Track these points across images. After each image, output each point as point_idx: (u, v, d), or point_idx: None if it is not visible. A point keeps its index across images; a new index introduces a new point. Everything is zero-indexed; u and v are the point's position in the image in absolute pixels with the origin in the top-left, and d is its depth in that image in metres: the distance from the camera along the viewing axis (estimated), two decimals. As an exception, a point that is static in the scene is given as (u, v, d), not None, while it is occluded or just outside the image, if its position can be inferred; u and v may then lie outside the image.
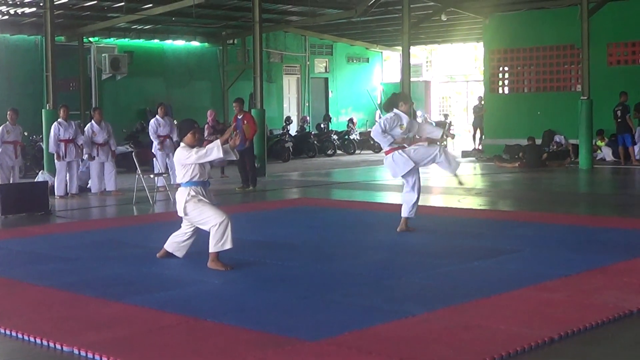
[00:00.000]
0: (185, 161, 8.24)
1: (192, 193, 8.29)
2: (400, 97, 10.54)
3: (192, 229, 8.57)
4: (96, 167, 16.39)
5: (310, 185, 18.17)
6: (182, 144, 8.44)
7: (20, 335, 5.96)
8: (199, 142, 8.40)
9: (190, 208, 8.27)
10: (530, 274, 7.79)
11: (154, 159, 16.87)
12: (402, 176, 10.42)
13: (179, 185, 8.51)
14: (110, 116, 21.13)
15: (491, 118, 25.92)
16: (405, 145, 10.36)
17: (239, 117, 16.59)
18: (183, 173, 8.30)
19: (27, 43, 24.28)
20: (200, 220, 8.29)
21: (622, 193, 16.31)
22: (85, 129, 16.65)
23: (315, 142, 28.11)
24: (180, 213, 8.37)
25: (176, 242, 8.71)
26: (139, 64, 26.45)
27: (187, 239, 8.67)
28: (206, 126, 19.53)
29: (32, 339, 5.87)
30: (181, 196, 8.33)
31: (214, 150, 8.13)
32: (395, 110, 10.32)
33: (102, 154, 16.35)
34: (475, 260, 8.67)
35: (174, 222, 9.01)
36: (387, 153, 10.38)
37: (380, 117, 10.39)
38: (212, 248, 8.20)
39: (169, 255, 8.76)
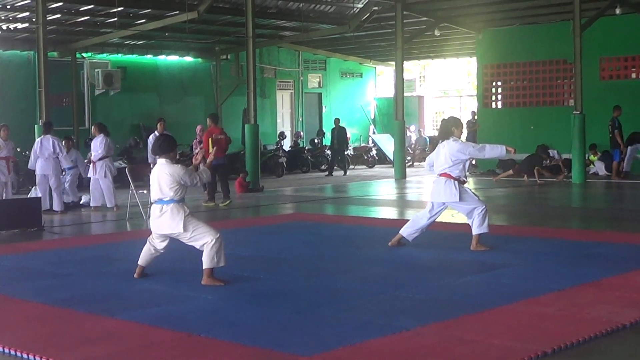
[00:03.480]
0: (181, 180, 8.22)
1: (187, 210, 8.27)
2: (452, 123, 10.29)
3: (164, 246, 8.55)
4: (94, 182, 16.33)
5: (304, 201, 18.17)
6: (166, 160, 8.37)
7: (12, 352, 5.94)
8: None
9: (186, 224, 8.23)
10: (523, 288, 7.80)
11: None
12: (433, 202, 10.23)
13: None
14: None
15: (484, 133, 25.97)
16: (466, 180, 10.30)
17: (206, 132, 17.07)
18: (176, 189, 8.24)
19: (20, 58, 24.29)
20: (194, 236, 8.23)
21: (615, 207, 16.33)
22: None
23: (309, 157, 28.11)
24: (179, 229, 8.22)
25: (150, 255, 8.66)
26: (132, 79, 26.48)
27: (157, 255, 8.65)
28: (195, 142, 19.57)
29: (24, 355, 5.84)
30: (178, 213, 8.24)
31: (204, 176, 8.42)
32: (452, 138, 10.08)
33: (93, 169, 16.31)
34: (468, 274, 8.68)
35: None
36: (448, 176, 10.03)
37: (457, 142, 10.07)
38: (208, 264, 8.16)
39: (145, 274, 8.71)
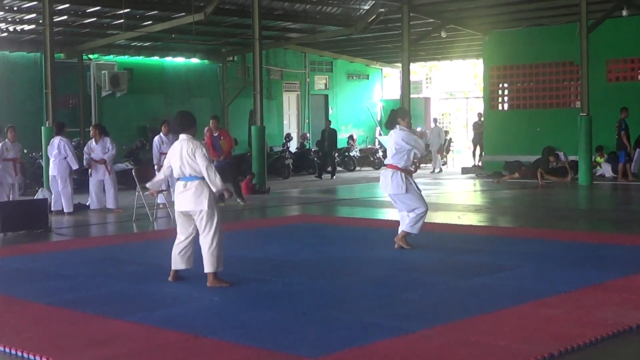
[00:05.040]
0: (200, 156, 8.17)
1: (214, 195, 8.25)
2: (399, 113, 10.49)
3: (190, 237, 8.43)
4: (95, 184, 16.36)
5: (310, 202, 18.17)
6: (187, 136, 8.34)
7: (19, 353, 5.94)
8: None
9: (210, 202, 8.16)
10: (529, 290, 7.79)
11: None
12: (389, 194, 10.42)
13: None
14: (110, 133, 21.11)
15: (491, 135, 25.95)
16: (412, 170, 10.33)
17: (215, 134, 17.12)
18: (197, 165, 8.20)
19: (27, 60, 24.32)
20: (208, 223, 8.18)
21: (621, 209, 16.30)
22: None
23: (315, 159, 28.08)
24: (203, 206, 8.13)
25: (179, 255, 8.48)
26: (138, 80, 26.49)
27: (190, 248, 8.48)
28: (202, 142, 19.61)
29: (30, 356, 5.84)
30: (202, 190, 8.16)
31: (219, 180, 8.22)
32: (399, 127, 10.24)
33: (99, 170, 16.31)
34: (474, 276, 8.66)
35: (174, 239, 8.92)
36: (395, 168, 10.20)
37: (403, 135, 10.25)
38: (210, 269, 8.15)
39: (181, 277, 8.56)
